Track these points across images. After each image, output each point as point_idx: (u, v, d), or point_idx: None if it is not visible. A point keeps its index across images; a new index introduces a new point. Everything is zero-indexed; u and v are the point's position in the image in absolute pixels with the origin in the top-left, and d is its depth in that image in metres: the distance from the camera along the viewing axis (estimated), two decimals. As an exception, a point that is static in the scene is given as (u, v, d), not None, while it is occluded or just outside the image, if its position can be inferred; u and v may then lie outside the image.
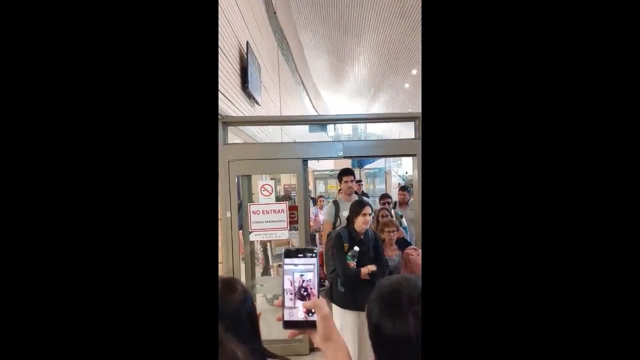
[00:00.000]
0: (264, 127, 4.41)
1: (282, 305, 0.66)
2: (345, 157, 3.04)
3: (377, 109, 14.04)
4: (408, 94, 12.04)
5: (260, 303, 3.32)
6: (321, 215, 4.72)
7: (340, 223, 2.85)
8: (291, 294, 0.65)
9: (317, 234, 4.55)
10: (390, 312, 0.66)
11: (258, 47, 4.16)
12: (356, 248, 2.24)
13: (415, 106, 11.97)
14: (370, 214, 2.29)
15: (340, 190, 3.47)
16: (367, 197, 4.63)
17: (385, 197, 3.98)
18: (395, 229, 2.65)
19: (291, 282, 0.65)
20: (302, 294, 0.65)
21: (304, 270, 0.66)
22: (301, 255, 0.66)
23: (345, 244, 2.27)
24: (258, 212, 2.82)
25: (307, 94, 10.85)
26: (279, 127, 5.42)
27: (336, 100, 13.42)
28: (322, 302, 0.64)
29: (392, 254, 2.64)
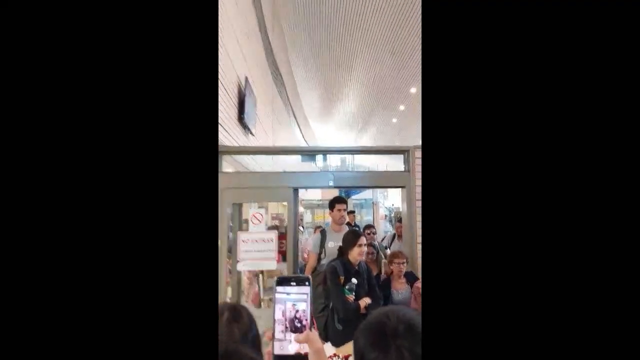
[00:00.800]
0: (256, 156, 4.50)
1: (272, 338, 0.62)
2: (335, 187, 3.12)
3: (365, 141, 14.43)
4: (396, 128, 12.48)
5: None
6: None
7: (326, 255, 2.71)
8: (282, 325, 0.61)
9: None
10: (374, 344, 0.64)
11: (255, 81, 4.34)
12: (354, 280, 2.13)
13: (402, 140, 12.36)
14: (365, 245, 2.21)
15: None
16: (359, 228, 4.53)
17: (369, 227, 3.81)
18: (404, 260, 2.53)
19: (283, 313, 0.62)
20: (296, 325, 0.61)
21: (297, 300, 0.63)
22: (294, 283, 0.63)
23: (340, 277, 2.13)
24: (247, 241, 2.83)
25: (298, 125, 11.09)
26: (271, 156, 5.52)
27: (325, 131, 13.75)
28: (315, 335, 0.62)
29: (400, 287, 2.51)
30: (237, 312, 0.81)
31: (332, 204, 2.94)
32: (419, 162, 2.94)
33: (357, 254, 2.17)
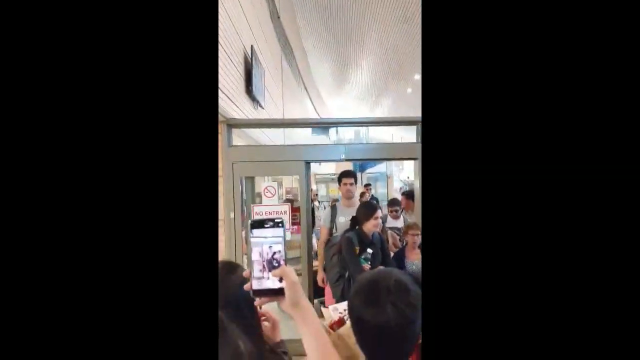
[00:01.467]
0: (267, 130, 4.46)
1: (251, 276, 0.66)
2: (347, 160, 3.07)
3: (379, 113, 14.11)
4: (411, 99, 12.13)
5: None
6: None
7: (337, 230, 2.70)
8: (260, 264, 0.65)
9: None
10: (369, 303, 0.69)
11: (262, 51, 4.23)
12: (370, 250, 2.22)
13: (418, 111, 11.99)
14: (380, 217, 2.28)
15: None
16: (377, 201, 4.46)
17: (394, 203, 3.72)
18: (419, 232, 2.57)
19: (260, 254, 0.65)
20: (273, 265, 0.65)
21: (273, 242, 0.65)
22: (268, 225, 0.66)
23: (355, 247, 2.22)
24: (261, 214, 2.85)
25: (310, 99, 10.91)
26: (282, 130, 5.47)
27: (339, 105, 13.51)
28: (290, 269, 0.65)
29: (415, 258, 2.58)
30: (233, 266, 0.87)
31: (340, 178, 2.93)
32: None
33: (371, 226, 2.22)
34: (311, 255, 3.06)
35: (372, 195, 5.66)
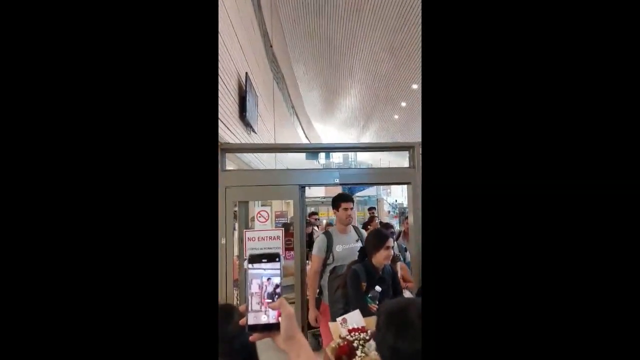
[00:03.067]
0: (259, 154, 4.47)
1: (247, 310, 0.66)
2: (341, 185, 3.07)
3: (367, 138, 14.37)
4: (397, 124, 12.43)
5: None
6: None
7: (333, 260, 2.46)
8: (258, 297, 0.65)
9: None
10: (404, 333, 0.70)
11: (255, 78, 4.30)
12: (378, 288, 1.89)
13: (404, 136, 12.30)
14: (392, 247, 1.95)
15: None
16: (392, 228, 3.69)
17: (387, 226, 3.49)
18: None
19: (260, 286, 0.66)
20: (274, 298, 0.65)
21: (272, 275, 0.66)
22: (265, 260, 0.67)
23: (362, 283, 1.91)
24: (253, 239, 2.80)
25: (300, 124, 11.06)
26: (273, 155, 5.49)
27: (328, 130, 13.71)
28: (285, 301, 0.65)
29: None
30: (228, 313, 0.85)
31: (337, 202, 2.60)
32: (424, 156, 2.89)
33: (383, 258, 1.91)
34: (305, 283, 2.98)
35: (381, 221, 4.76)
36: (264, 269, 0.67)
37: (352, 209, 2.63)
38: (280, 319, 0.64)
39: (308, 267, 2.93)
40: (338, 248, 2.52)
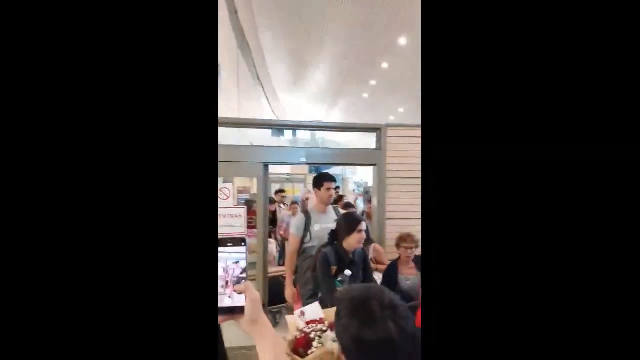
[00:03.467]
0: (221, 128, 4.26)
1: None
2: (307, 164, 3.03)
3: (336, 114, 14.28)
4: (367, 103, 12.42)
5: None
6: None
7: (311, 239, 2.45)
8: (223, 280, 0.65)
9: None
10: (367, 321, 0.69)
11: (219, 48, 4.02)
12: (347, 272, 1.85)
13: (373, 115, 12.36)
14: (364, 230, 1.92)
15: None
16: (354, 207, 3.71)
17: (348, 205, 3.57)
18: (413, 245, 2.26)
19: (225, 270, 0.66)
20: (240, 282, 0.66)
21: (239, 259, 0.67)
22: (231, 244, 0.67)
23: (332, 267, 1.87)
24: (214, 217, 2.70)
25: (267, 97, 10.71)
26: (238, 130, 5.27)
27: (295, 104, 13.42)
28: (252, 285, 0.65)
29: (408, 272, 2.28)
30: None
31: (320, 181, 2.52)
32: (390, 140, 2.91)
33: (355, 242, 1.88)
34: (267, 261, 2.97)
35: (348, 202, 4.49)
36: (229, 253, 0.66)
37: (334, 188, 2.57)
38: (245, 302, 0.64)
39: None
40: (316, 227, 2.47)
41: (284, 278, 2.72)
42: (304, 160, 2.90)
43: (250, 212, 2.98)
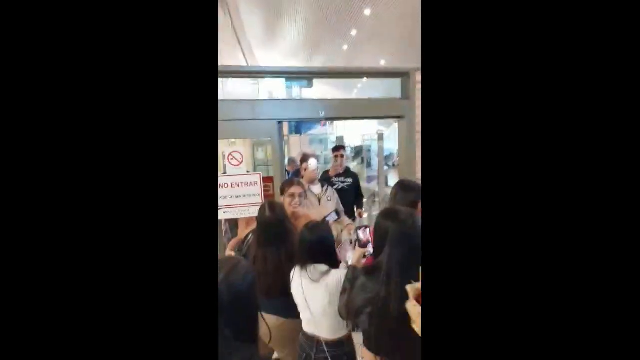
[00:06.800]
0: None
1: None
2: (326, 119, 2.67)
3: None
4: (346, 56, 11.75)
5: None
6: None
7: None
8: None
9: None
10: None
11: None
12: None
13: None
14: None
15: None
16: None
17: (339, 148, 3.05)
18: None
19: None
20: None
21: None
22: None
23: None
24: (226, 186, 2.33)
25: (242, 52, 9.86)
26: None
27: (270, 59, 12.50)
28: None
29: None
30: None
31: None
32: (419, 87, 2.56)
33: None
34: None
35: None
36: None
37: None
38: None
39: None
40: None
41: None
42: (323, 114, 2.52)
43: (267, 179, 2.61)
